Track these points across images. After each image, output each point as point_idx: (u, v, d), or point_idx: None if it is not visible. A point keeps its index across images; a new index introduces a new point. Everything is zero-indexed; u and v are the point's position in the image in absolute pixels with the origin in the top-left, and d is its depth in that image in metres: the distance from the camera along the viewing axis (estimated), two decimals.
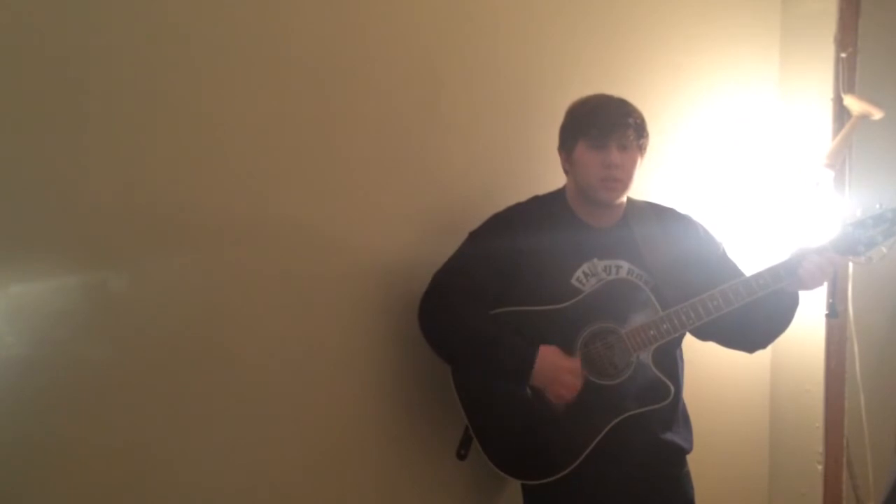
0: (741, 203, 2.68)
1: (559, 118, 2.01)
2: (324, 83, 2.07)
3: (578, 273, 1.95)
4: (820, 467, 2.59)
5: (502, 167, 2.31)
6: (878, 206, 1.91)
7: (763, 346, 2.07)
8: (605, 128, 1.90)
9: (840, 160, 2.42)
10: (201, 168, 1.94)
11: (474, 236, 2.03)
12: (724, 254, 2.07)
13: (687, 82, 2.57)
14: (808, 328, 2.53)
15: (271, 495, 2.03)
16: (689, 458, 2.07)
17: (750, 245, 2.59)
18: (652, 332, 1.90)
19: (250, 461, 2.00)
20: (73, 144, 1.80)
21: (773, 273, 1.90)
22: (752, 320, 1.96)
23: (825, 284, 1.93)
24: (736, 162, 2.67)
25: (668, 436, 2.00)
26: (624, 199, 1.99)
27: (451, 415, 2.05)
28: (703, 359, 2.17)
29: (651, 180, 2.36)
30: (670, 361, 1.99)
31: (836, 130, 2.49)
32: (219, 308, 1.97)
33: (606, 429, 1.91)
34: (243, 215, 1.99)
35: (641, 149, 1.95)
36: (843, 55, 2.48)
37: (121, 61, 1.83)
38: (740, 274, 1.98)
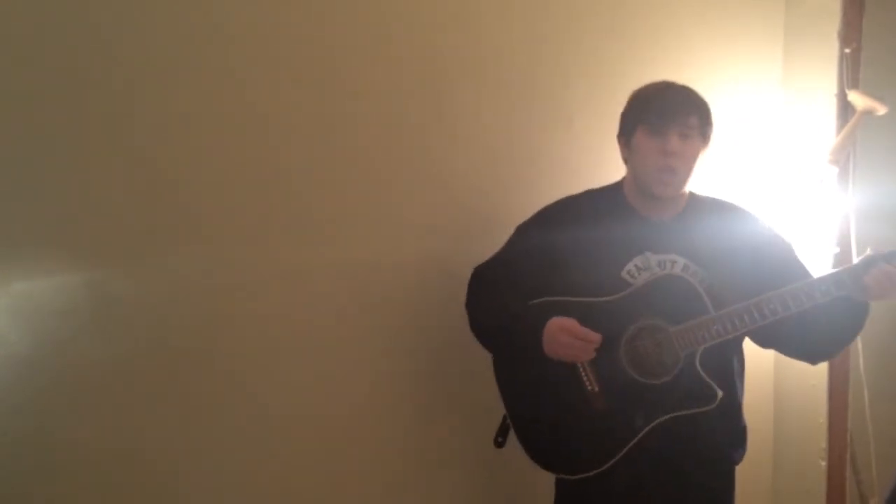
0: (745, 200, 2.66)
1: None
2: (329, 83, 2.08)
3: (630, 266, 1.88)
4: (823, 463, 2.58)
5: (507, 168, 2.32)
6: None
7: (827, 357, 1.97)
8: (665, 114, 1.83)
9: (844, 156, 2.40)
10: (205, 167, 1.95)
11: (519, 230, 2.00)
12: (791, 257, 1.95)
13: (690, 80, 2.54)
14: None
15: (271, 495, 2.04)
16: None
17: None
18: (701, 333, 1.80)
19: (252, 461, 2.02)
20: (74, 144, 1.81)
21: (837, 279, 1.76)
22: (816, 329, 1.83)
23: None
24: (739, 159, 2.66)
25: (714, 445, 1.92)
26: (686, 191, 1.93)
27: (480, 408, 2.06)
28: None
29: None
30: (721, 365, 1.90)
31: (840, 127, 2.47)
32: (221, 307, 1.98)
33: (647, 429, 1.83)
34: (247, 215, 2.00)
35: (705, 138, 1.88)
36: (847, 51, 2.45)
37: (123, 60, 1.84)
38: (808, 278, 1.85)
